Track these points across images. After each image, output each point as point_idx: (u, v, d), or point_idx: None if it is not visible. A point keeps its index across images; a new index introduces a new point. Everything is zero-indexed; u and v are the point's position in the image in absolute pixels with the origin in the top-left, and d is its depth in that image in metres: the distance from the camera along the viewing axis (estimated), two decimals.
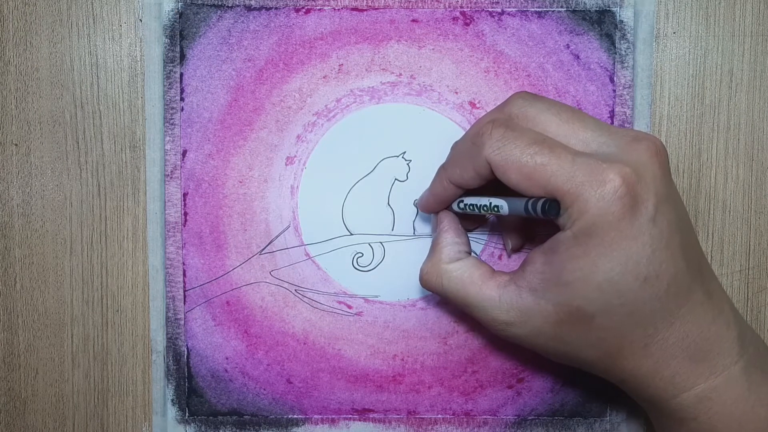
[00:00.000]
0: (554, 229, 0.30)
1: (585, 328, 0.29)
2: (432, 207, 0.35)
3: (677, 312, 0.29)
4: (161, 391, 0.38)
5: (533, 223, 0.36)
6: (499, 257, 0.37)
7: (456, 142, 0.33)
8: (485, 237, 0.37)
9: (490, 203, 0.32)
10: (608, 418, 0.38)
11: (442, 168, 0.33)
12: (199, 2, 0.36)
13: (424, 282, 0.34)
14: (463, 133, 0.37)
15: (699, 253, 0.31)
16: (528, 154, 0.28)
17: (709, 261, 0.38)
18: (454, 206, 0.34)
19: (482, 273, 0.32)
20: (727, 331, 0.29)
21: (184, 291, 0.37)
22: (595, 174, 0.27)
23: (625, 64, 0.37)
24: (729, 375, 0.29)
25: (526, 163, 0.28)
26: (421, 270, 0.34)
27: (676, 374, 0.29)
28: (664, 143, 0.37)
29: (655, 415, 0.32)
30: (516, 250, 0.37)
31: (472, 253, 0.35)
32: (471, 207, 0.33)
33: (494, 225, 0.37)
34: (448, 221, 0.34)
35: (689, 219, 0.31)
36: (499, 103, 0.32)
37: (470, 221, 0.37)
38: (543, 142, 0.29)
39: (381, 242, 0.37)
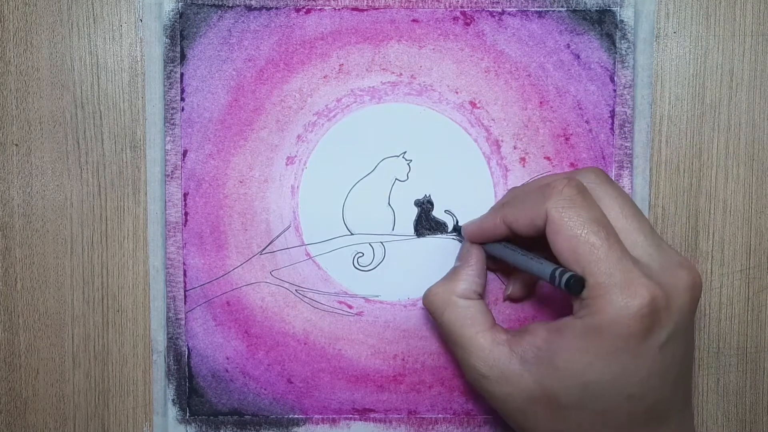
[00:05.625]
0: (559, 298, 0.29)
1: (553, 415, 0.29)
2: (478, 239, 0.34)
3: None
4: (162, 391, 0.38)
5: (543, 282, 0.36)
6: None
7: (516, 186, 0.34)
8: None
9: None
10: None
11: (500, 205, 0.33)
12: (200, 2, 0.36)
13: (428, 302, 0.34)
14: (463, 132, 0.37)
15: (688, 385, 0.31)
16: (586, 228, 0.29)
17: (710, 261, 0.38)
18: (488, 246, 0.34)
19: (484, 321, 0.32)
20: None
21: (185, 291, 0.37)
22: (631, 283, 0.28)
23: (626, 64, 0.37)
24: None
25: (578, 236, 0.28)
26: (430, 289, 0.34)
27: None
28: (664, 144, 0.37)
29: None
30: (513, 299, 0.37)
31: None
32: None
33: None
34: (476, 258, 0.34)
35: (693, 353, 0.31)
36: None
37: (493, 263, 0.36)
38: (605, 225, 0.29)
39: (381, 242, 0.37)
